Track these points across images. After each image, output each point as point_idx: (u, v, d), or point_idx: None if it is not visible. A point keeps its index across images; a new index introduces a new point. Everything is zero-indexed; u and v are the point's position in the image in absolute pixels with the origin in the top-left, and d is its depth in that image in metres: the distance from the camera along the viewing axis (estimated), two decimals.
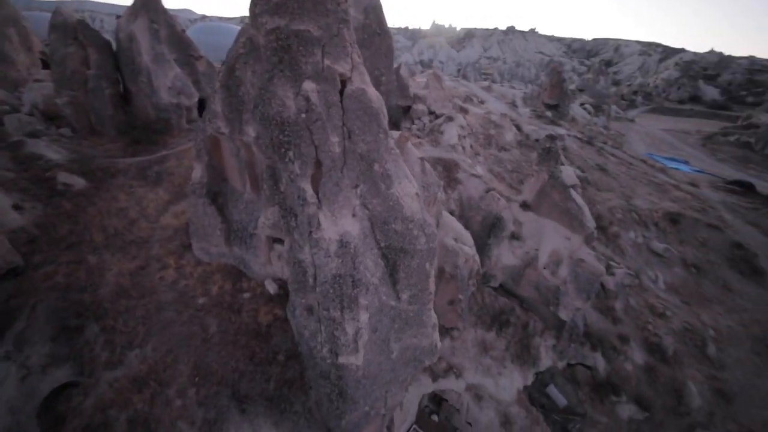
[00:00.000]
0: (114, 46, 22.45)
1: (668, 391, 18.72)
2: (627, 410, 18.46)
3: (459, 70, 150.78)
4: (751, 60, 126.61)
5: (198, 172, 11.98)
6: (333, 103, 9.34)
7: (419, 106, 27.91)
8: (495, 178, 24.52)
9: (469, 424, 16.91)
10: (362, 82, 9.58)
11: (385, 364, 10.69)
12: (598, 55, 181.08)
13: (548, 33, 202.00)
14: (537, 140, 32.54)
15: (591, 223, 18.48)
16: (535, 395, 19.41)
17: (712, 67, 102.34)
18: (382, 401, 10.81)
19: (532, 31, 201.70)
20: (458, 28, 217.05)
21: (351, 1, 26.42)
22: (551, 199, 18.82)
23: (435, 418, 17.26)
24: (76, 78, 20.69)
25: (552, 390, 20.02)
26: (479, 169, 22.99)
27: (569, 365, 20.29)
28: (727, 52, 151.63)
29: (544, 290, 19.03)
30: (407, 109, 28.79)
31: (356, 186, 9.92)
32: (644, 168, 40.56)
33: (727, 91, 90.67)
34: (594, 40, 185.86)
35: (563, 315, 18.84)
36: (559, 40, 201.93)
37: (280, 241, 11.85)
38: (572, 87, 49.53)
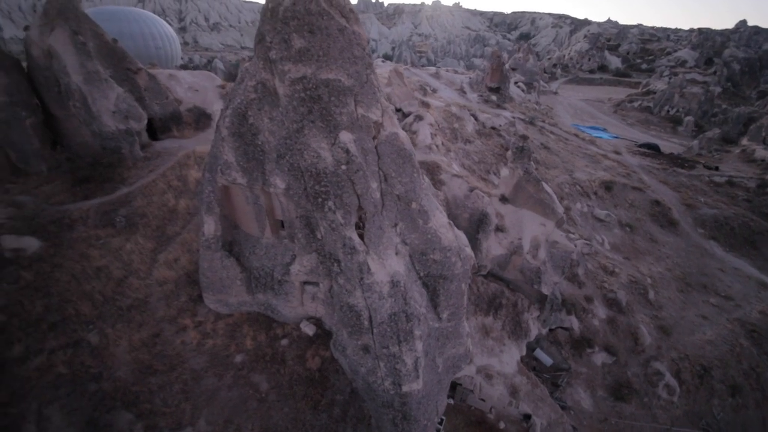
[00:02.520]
0: (24, 64, 18.48)
1: (627, 336, 22.92)
2: (600, 358, 22.27)
3: (393, 49, 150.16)
4: (641, 29, 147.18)
5: (211, 226, 11.06)
6: (369, 150, 9.37)
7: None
8: (468, 172, 26.11)
9: (483, 400, 18.95)
10: (393, 125, 9.69)
11: (434, 379, 11.62)
12: (518, 29, 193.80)
13: (471, 7, 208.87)
14: (493, 128, 34.89)
15: (560, 209, 21.08)
16: (527, 360, 22.31)
17: (613, 37, 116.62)
18: (434, 411, 11.83)
19: (457, 5, 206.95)
20: (386, 3, 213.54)
21: None
22: (526, 191, 20.91)
23: (450, 401, 19.03)
24: None
25: (539, 353, 23.15)
26: (456, 167, 24.28)
27: (551, 330, 23.53)
28: (621, 21, 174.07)
29: (528, 272, 21.46)
30: None
31: (395, 225, 10.24)
32: (577, 142, 46.06)
33: (627, 60, 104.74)
34: (513, 13, 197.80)
35: (545, 290, 21.55)
36: (482, 14, 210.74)
37: (310, 281, 11.74)
38: (506, 66, 53.06)
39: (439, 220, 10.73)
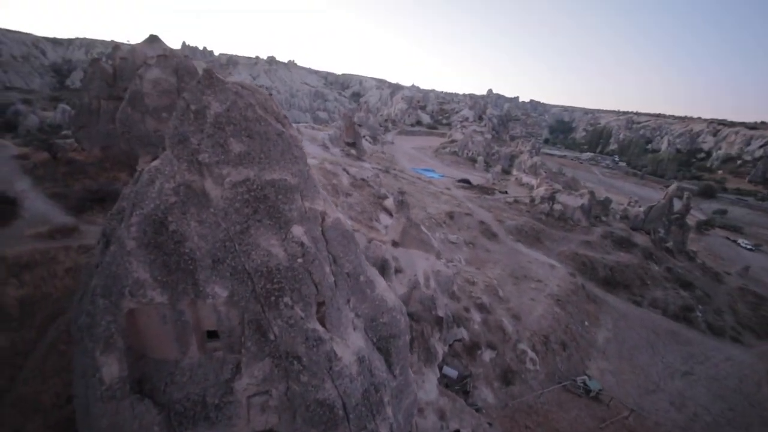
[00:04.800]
0: None
1: (498, 330, 29.42)
2: (487, 355, 27.55)
3: None
4: (436, 93, 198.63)
5: (113, 369, 8.20)
6: (318, 239, 9.75)
7: None
8: (356, 223, 28.38)
9: None
10: (333, 210, 10.46)
11: None
12: (349, 88, 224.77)
13: (305, 65, 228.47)
14: (363, 179, 39.22)
15: (436, 244, 25.95)
16: (438, 378, 25.18)
17: (421, 99, 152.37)
18: None
19: (292, 62, 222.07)
20: (216, 53, 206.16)
21: (155, 61, 22.24)
22: (411, 235, 24.80)
23: None
24: None
25: (446, 369, 26.53)
26: (348, 221, 26.07)
27: (450, 345, 27.50)
28: (422, 87, 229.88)
29: (425, 301, 24.89)
30: None
31: (348, 301, 10.69)
32: (421, 183, 57.10)
33: (433, 117, 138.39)
34: (343, 74, 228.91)
35: (440, 313, 25.42)
36: (317, 72, 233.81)
37: (259, 392, 10.38)
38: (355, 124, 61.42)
39: (381, 284, 11.88)
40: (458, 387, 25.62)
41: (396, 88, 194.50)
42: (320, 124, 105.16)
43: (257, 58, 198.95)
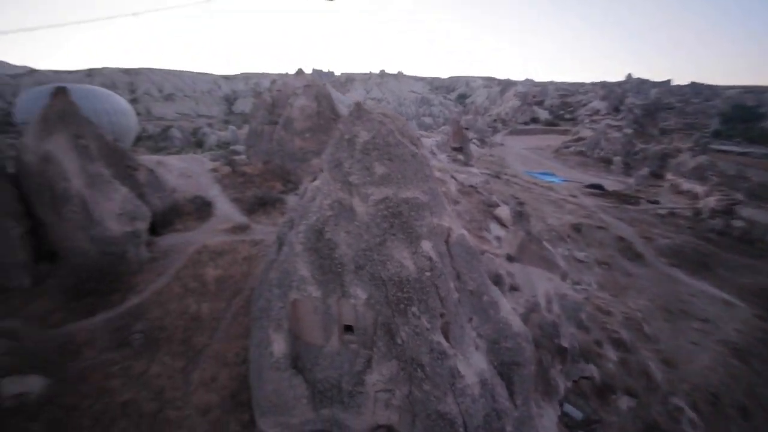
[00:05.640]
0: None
1: (640, 375, 23.97)
2: (624, 402, 22.76)
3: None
4: (555, 85, 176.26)
5: (281, 345, 10.48)
6: (444, 254, 10.02)
7: None
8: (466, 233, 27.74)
9: None
10: (458, 227, 10.59)
11: None
12: (455, 90, 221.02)
13: (412, 74, 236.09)
14: (471, 186, 38.04)
15: (562, 263, 22.99)
16: (558, 417, 22.07)
17: (538, 94, 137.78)
18: None
19: (400, 73, 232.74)
20: (337, 73, 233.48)
21: (301, 90, 26.89)
22: (530, 250, 22.69)
23: None
24: None
25: (568, 408, 23.06)
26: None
27: (574, 382, 23.87)
28: (537, 79, 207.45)
29: (546, 327, 22.28)
30: None
31: (470, 319, 10.60)
32: (539, 189, 51.47)
33: (552, 112, 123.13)
34: (449, 78, 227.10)
35: (564, 343, 22.33)
36: (423, 79, 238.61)
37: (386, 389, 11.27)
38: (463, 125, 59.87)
39: (505, 307, 11.33)
40: (583, 431, 22.02)
41: (507, 84, 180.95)
42: (425, 129, 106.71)
43: (370, 73, 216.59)
